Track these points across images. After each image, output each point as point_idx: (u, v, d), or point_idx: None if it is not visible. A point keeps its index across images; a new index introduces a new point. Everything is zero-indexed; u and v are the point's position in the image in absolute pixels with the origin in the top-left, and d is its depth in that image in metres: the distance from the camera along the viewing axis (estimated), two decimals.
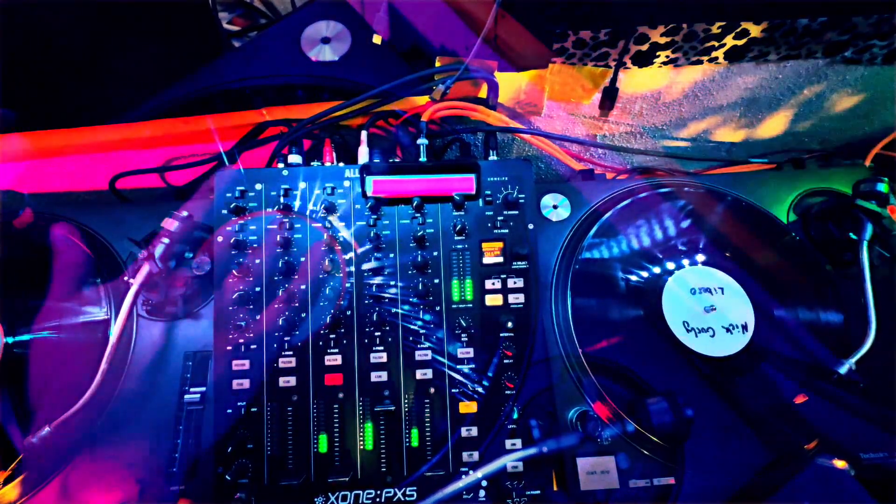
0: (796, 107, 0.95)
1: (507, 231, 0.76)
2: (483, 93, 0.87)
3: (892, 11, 0.77)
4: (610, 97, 0.87)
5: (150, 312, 0.74)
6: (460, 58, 0.85)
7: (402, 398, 0.70)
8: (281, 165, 0.79)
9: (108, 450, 0.69)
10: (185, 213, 0.73)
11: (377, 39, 1.06)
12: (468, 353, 0.72)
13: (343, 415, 0.69)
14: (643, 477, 0.67)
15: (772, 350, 0.74)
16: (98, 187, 0.88)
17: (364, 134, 0.82)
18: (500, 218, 0.76)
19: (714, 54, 0.83)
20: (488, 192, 0.77)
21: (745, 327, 0.74)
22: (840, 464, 0.63)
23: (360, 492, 0.67)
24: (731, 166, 0.99)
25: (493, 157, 0.81)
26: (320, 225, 0.74)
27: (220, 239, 0.73)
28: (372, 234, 0.73)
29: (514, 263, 0.75)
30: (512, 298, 0.74)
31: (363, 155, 0.81)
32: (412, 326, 0.72)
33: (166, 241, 0.72)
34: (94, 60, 1.07)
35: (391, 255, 0.74)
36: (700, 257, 0.78)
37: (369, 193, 0.75)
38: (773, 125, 0.99)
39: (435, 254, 0.75)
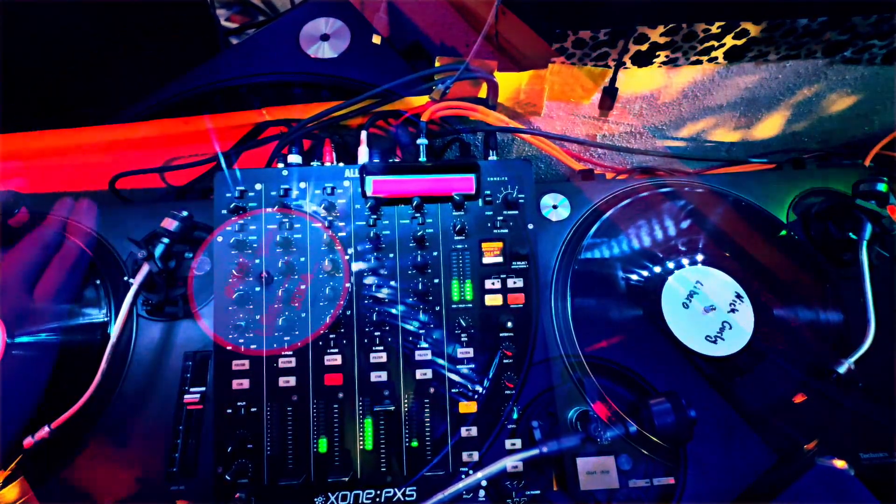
0: (796, 107, 0.95)
1: (507, 231, 0.76)
2: (483, 93, 0.87)
3: (892, 11, 0.77)
4: (610, 97, 0.87)
5: (150, 312, 0.74)
6: (460, 57, 0.85)
7: (402, 398, 0.70)
8: (281, 165, 0.79)
9: (108, 450, 0.69)
10: (184, 213, 0.73)
11: (377, 39, 1.05)
12: (468, 353, 0.72)
13: (343, 415, 0.69)
14: (644, 477, 0.67)
15: (771, 350, 0.74)
16: (98, 187, 0.88)
17: (364, 134, 0.82)
18: (499, 218, 0.76)
19: (714, 54, 0.83)
20: (488, 192, 0.77)
21: (744, 327, 0.74)
22: (840, 463, 0.63)
23: (360, 492, 0.67)
24: (731, 166, 0.99)
25: (493, 157, 0.81)
26: (320, 225, 0.74)
27: (220, 239, 0.73)
28: (372, 234, 0.73)
29: (514, 263, 0.75)
30: (512, 298, 0.74)
31: (363, 155, 0.81)
32: (412, 326, 0.72)
33: (166, 241, 0.72)
34: (92, 59, 1.07)
35: (391, 256, 0.74)
36: (700, 257, 0.78)
37: (369, 193, 0.75)
38: (773, 125, 1.00)
39: (435, 254, 0.75)
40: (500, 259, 0.75)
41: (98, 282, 0.75)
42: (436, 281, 0.74)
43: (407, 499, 0.67)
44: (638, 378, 0.72)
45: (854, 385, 0.70)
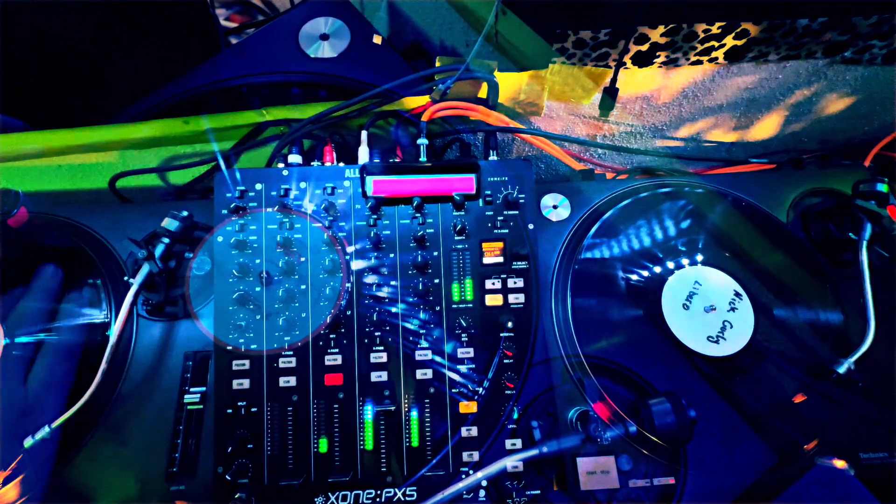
0: (796, 107, 0.95)
1: (507, 231, 0.76)
2: (483, 93, 0.87)
3: (892, 11, 0.77)
4: (610, 97, 0.87)
5: (150, 312, 0.74)
6: (460, 57, 0.85)
7: (403, 398, 0.70)
8: (281, 165, 0.79)
9: (108, 450, 0.69)
10: (184, 213, 0.73)
11: (377, 39, 1.05)
12: (468, 353, 0.72)
13: (343, 415, 0.69)
14: (644, 477, 0.67)
15: (771, 350, 0.74)
16: (98, 187, 0.88)
17: (364, 134, 0.82)
18: (500, 218, 0.76)
19: (714, 54, 0.83)
20: (488, 192, 0.77)
21: (744, 327, 0.74)
22: (840, 463, 0.63)
23: (361, 492, 0.67)
24: (731, 166, 0.99)
25: (493, 157, 0.81)
26: (320, 225, 0.74)
27: (220, 239, 0.73)
28: (372, 234, 0.73)
29: (514, 263, 0.75)
30: (512, 298, 0.74)
31: (363, 155, 0.81)
32: (412, 326, 0.72)
33: (166, 241, 0.72)
34: (92, 59, 1.07)
35: (391, 255, 0.74)
36: (700, 257, 0.78)
37: (369, 193, 0.75)
38: (773, 125, 1.00)
39: (435, 254, 0.75)
40: (500, 259, 0.75)
41: (98, 282, 0.75)
42: (436, 281, 0.74)
43: (407, 499, 0.67)
44: (638, 378, 0.72)
45: (854, 385, 0.70)
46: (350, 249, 0.74)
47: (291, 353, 0.71)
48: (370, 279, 0.73)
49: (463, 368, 0.71)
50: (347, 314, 0.72)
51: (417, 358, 0.71)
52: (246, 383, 0.69)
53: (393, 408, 0.69)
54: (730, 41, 0.81)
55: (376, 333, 0.72)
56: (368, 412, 0.69)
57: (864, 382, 0.69)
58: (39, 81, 1.01)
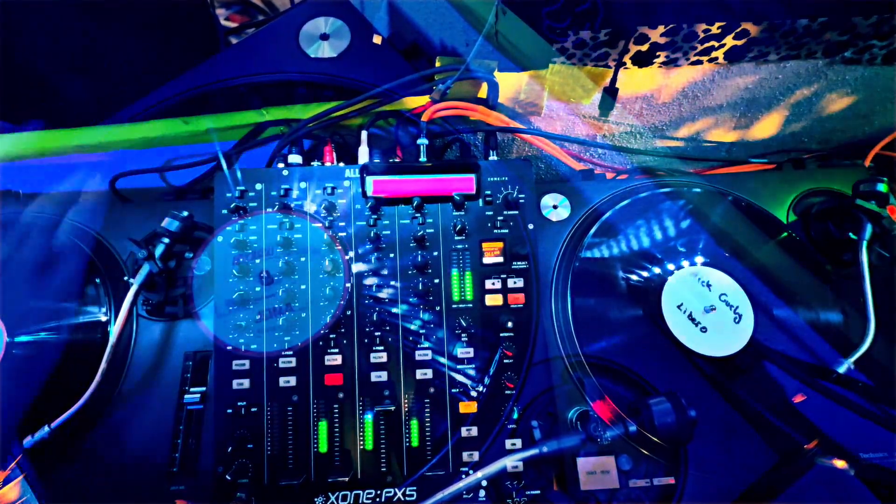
0: (796, 107, 0.95)
1: (507, 231, 0.76)
2: (483, 93, 0.87)
3: (892, 11, 0.77)
4: (610, 97, 0.87)
5: (150, 312, 0.74)
6: (460, 57, 0.85)
7: (403, 398, 0.70)
8: (281, 165, 0.79)
9: (109, 450, 0.69)
10: (185, 213, 0.73)
11: (377, 39, 1.05)
12: (468, 353, 0.72)
13: (343, 415, 0.69)
14: (644, 477, 0.67)
15: (771, 350, 0.74)
16: (98, 187, 0.87)
17: (364, 134, 0.82)
18: (500, 218, 0.76)
19: (714, 54, 0.83)
20: (488, 192, 0.77)
21: (744, 327, 0.74)
22: (840, 463, 0.63)
23: (360, 492, 0.67)
24: (731, 166, 0.99)
25: (493, 157, 0.81)
26: (320, 225, 0.74)
27: (220, 239, 0.73)
28: (372, 234, 0.73)
29: (514, 263, 0.75)
30: (512, 298, 0.74)
31: (363, 155, 0.81)
32: (412, 326, 0.72)
33: (166, 241, 0.72)
34: (92, 59, 1.07)
35: (391, 255, 0.74)
36: (700, 257, 0.78)
37: (369, 193, 0.75)
38: (773, 125, 0.99)
39: (435, 254, 0.75)
40: (500, 259, 0.75)
41: (98, 282, 0.75)
42: (436, 281, 0.74)
43: (407, 498, 0.67)
44: (638, 378, 0.72)
45: (854, 385, 0.70)
46: (350, 250, 0.74)
47: (291, 353, 0.71)
48: (370, 279, 0.73)
49: (463, 368, 0.71)
50: (347, 314, 0.72)
51: (417, 358, 0.71)
52: (246, 383, 0.69)
53: (393, 408, 0.69)
54: (730, 41, 0.81)
55: (376, 333, 0.72)
56: (368, 412, 0.69)
57: (864, 382, 0.69)
58: (39, 82, 1.01)
